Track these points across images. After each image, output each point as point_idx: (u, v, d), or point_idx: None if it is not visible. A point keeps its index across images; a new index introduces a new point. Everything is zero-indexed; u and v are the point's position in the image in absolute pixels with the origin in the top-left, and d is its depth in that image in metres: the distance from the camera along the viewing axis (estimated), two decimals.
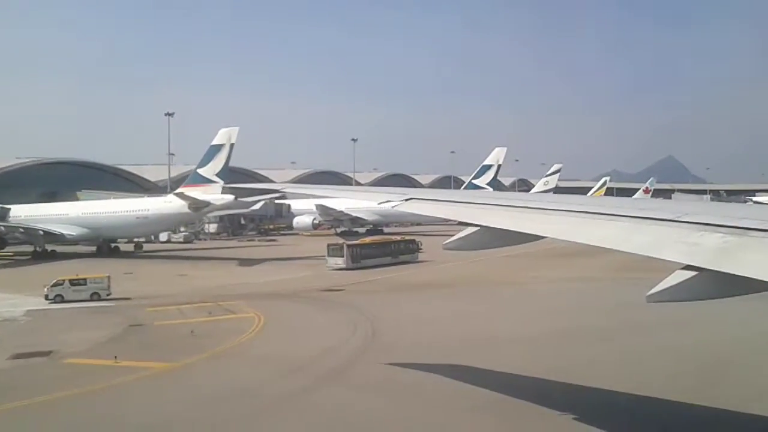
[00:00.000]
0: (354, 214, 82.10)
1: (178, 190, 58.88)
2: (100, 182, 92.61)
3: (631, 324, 23.00)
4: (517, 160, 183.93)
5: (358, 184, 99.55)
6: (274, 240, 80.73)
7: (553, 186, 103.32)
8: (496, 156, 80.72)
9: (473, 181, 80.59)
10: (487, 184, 78.01)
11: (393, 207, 12.17)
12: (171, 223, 64.33)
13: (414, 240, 51.62)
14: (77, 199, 74.80)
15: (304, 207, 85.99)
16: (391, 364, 18.30)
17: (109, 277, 32.49)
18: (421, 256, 49.53)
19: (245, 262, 51.98)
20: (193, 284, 38.74)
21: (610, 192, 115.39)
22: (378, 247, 49.38)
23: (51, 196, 76.46)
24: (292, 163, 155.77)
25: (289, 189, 47.60)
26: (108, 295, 31.61)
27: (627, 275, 36.01)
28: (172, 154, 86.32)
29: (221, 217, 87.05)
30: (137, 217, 59.15)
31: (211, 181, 55.71)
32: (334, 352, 20.14)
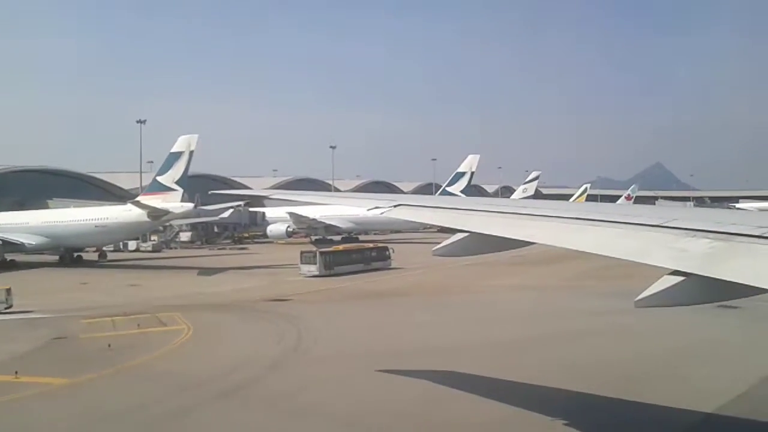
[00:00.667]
0: (328, 222, 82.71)
1: (136, 199, 58.94)
2: (74, 190, 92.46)
3: (561, 333, 24.08)
4: (499, 168, 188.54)
5: (337, 191, 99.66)
6: (245, 248, 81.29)
7: (532, 193, 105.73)
8: (469, 163, 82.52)
9: (447, 189, 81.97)
10: (461, 191, 79.41)
11: (381, 213, 12.36)
12: (131, 231, 64.18)
13: (386, 247, 54.23)
14: (47, 208, 74.55)
15: (279, 215, 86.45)
16: (297, 378, 18.78)
17: (8, 290, 31.43)
18: (394, 263, 51.68)
19: (205, 271, 52.20)
20: (142, 294, 38.76)
21: (593, 198, 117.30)
22: (351, 254, 51.63)
23: (21, 204, 75.68)
24: (274, 170, 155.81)
25: (276, 195, 47.50)
26: (8, 308, 30.63)
27: (582, 283, 39.30)
28: (150, 162, 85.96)
29: (194, 225, 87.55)
30: (96, 226, 58.94)
31: (170, 189, 55.59)
32: (244, 367, 20.07)
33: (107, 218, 59.08)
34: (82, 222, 59.88)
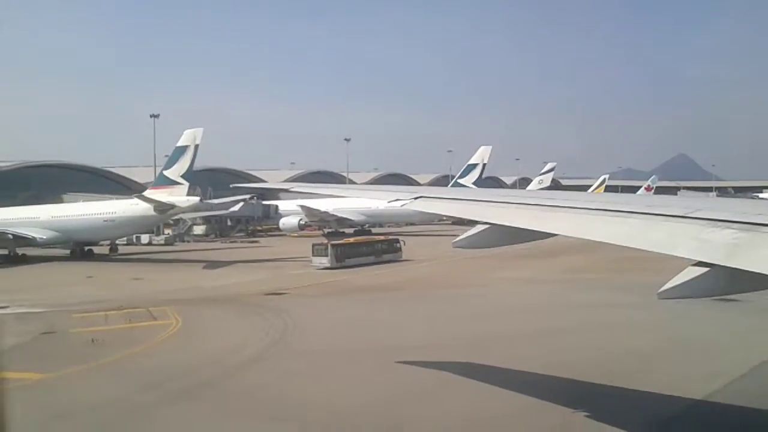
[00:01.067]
0: (339, 215, 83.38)
1: (143, 193, 59.95)
2: (90, 185, 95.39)
3: (539, 330, 23.59)
4: (517, 159, 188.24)
5: (352, 183, 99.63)
6: (256, 241, 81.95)
7: (548, 184, 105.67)
8: (481, 155, 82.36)
9: (459, 180, 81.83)
10: (473, 183, 79.34)
11: (402, 205, 12.52)
12: (138, 225, 64.62)
13: (397, 239, 55.50)
14: (62, 202, 76.59)
15: (292, 208, 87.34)
16: (271, 375, 18.64)
17: None
18: (405, 255, 52.50)
19: (211, 264, 52.47)
20: (143, 288, 39.05)
21: (613, 189, 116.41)
22: (361, 246, 52.83)
23: (37, 198, 77.82)
24: (292, 163, 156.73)
25: (296, 188, 48.60)
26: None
27: (583, 276, 39.24)
28: (166, 156, 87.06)
29: (208, 219, 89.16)
30: (105, 220, 59.88)
31: (176, 183, 56.26)
32: (221, 362, 20.03)
33: (115, 212, 59.89)
34: (90, 216, 60.79)
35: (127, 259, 62.46)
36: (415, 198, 12.38)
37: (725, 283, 7.00)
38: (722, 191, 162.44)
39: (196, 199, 59.24)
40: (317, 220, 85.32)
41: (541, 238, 10.16)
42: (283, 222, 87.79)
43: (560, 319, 25.86)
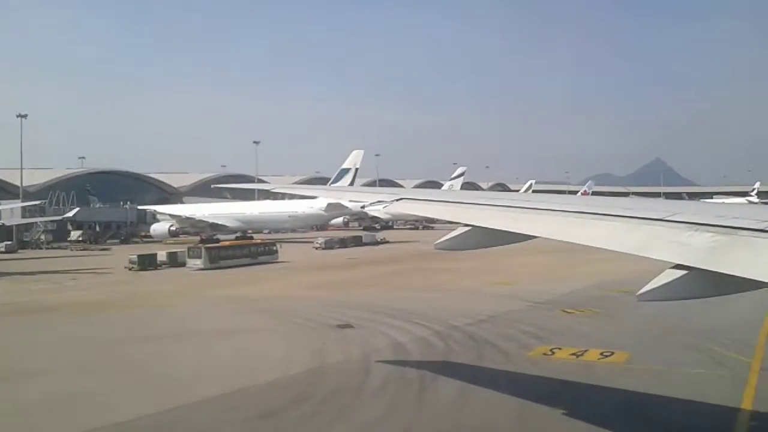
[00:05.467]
0: (212, 221, 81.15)
1: None
2: (133, 189, 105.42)
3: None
4: (487, 167, 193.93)
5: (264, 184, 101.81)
6: (107, 249, 75.22)
7: (458, 189, 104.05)
8: (353, 159, 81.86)
9: (332, 186, 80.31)
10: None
11: (384, 208, 12.37)
12: None
13: (274, 243, 59.29)
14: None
15: (176, 212, 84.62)
16: None
17: None
18: (282, 258, 55.99)
19: None
20: None
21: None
22: (237, 248, 55.56)
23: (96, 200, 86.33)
24: (223, 166, 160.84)
25: (279, 189, 49.07)
26: None
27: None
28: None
29: (80, 225, 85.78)
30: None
31: None
32: None
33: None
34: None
35: None
36: (397, 200, 12.25)
37: (704, 285, 6.90)
38: (677, 197, 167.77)
39: None
40: (189, 227, 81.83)
41: (521, 240, 10.04)
42: (154, 228, 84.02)
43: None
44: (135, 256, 50.71)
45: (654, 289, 7.04)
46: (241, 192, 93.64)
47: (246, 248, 55.90)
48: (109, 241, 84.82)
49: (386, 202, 12.33)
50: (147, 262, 50.36)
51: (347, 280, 41.37)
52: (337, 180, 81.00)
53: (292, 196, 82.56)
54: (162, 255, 52.29)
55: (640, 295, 7.13)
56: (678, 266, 6.96)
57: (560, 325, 23.89)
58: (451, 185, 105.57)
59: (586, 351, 19.18)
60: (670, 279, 6.96)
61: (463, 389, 15.82)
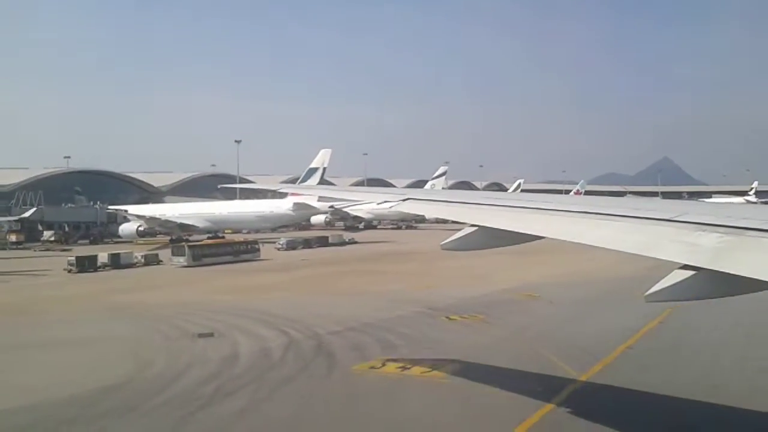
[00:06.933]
0: (180, 221, 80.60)
1: None
2: (113, 189, 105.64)
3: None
4: (481, 166, 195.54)
5: (246, 182, 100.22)
6: (69, 249, 71.16)
7: (441, 188, 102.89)
8: (321, 158, 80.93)
9: (300, 185, 79.56)
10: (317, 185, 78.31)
11: (390, 207, 12.31)
12: None
13: (255, 241, 61.74)
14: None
15: (146, 213, 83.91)
16: None
17: None
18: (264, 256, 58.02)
19: None
20: None
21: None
22: (219, 247, 57.93)
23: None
24: (213, 166, 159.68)
25: (284, 189, 49.50)
26: None
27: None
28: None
29: (51, 225, 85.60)
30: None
31: None
32: None
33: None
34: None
35: None
36: (403, 200, 12.22)
37: (711, 286, 6.81)
38: (676, 196, 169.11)
39: None
40: (157, 227, 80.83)
41: (528, 241, 9.98)
42: (122, 228, 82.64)
43: None
44: (74, 258, 50.25)
45: (662, 289, 6.94)
46: (235, 192, 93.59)
47: (229, 246, 57.98)
48: (80, 242, 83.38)
49: (393, 202, 12.31)
50: (87, 264, 49.75)
51: (272, 283, 40.53)
52: (305, 179, 79.38)
53: (264, 196, 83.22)
54: (103, 256, 51.53)
55: (648, 295, 7.05)
56: (686, 266, 6.87)
57: (428, 333, 23.42)
58: (433, 184, 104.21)
59: (420, 362, 18.61)
60: (678, 280, 6.87)
61: (240, 410, 15.05)
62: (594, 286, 34.41)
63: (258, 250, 58.20)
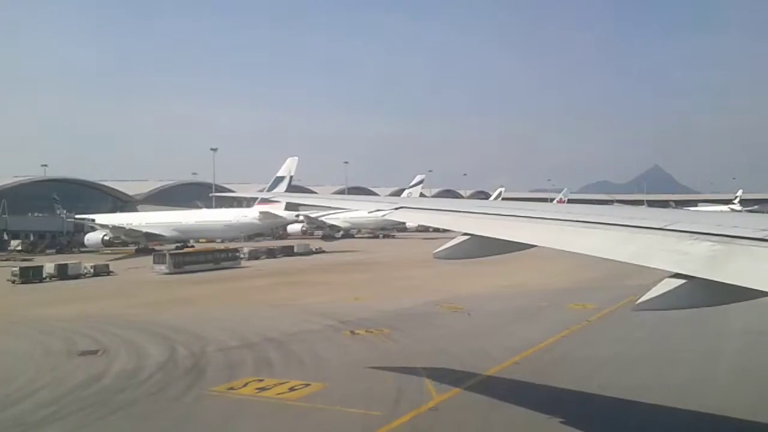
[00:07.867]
0: (147, 230, 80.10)
1: None
2: (84, 197, 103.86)
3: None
4: (465, 174, 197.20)
5: (223, 190, 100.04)
6: (30, 259, 69.71)
7: (417, 197, 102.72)
8: (288, 167, 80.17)
9: (272, 191, 79.23)
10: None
11: (383, 216, 12.27)
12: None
13: (236, 249, 63.72)
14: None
15: (114, 222, 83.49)
16: None
17: None
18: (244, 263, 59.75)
19: None
20: None
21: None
22: (200, 254, 59.68)
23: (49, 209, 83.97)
24: (197, 173, 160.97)
25: (276, 197, 49.77)
26: None
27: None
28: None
29: (18, 234, 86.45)
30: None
31: None
32: None
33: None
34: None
35: None
36: (396, 209, 12.18)
37: (702, 295, 6.81)
38: (663, 204, 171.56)
39: None
40: (122, 236, 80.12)
41: (521, 249, 9.96)
42: (88, 238, 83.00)
43: None
44: (17, 268, 49.48)
45: (652, 298, 6.93)
46: (219, 201, 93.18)
47: (210, 254, 59.44)
48: (48, 251, 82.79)
49: (385, 210, 12.27)
50: (32, 275, 49.05)
51: (202, 295, 39.86)
52: (272, 188, 78.42)
53: (249, 205, 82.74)
54: (50, 267, 50.77)
55: (638, 304, 7.04)
56: (677, 275, 6.87)
57: (317, 350, 22.76)
58: (410, 193, 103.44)
59: (281, 384, 17.94)
60: (668, 288, 6.86)
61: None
62: (527, 298, 33.94)
63: (238, 258, 59.39)
